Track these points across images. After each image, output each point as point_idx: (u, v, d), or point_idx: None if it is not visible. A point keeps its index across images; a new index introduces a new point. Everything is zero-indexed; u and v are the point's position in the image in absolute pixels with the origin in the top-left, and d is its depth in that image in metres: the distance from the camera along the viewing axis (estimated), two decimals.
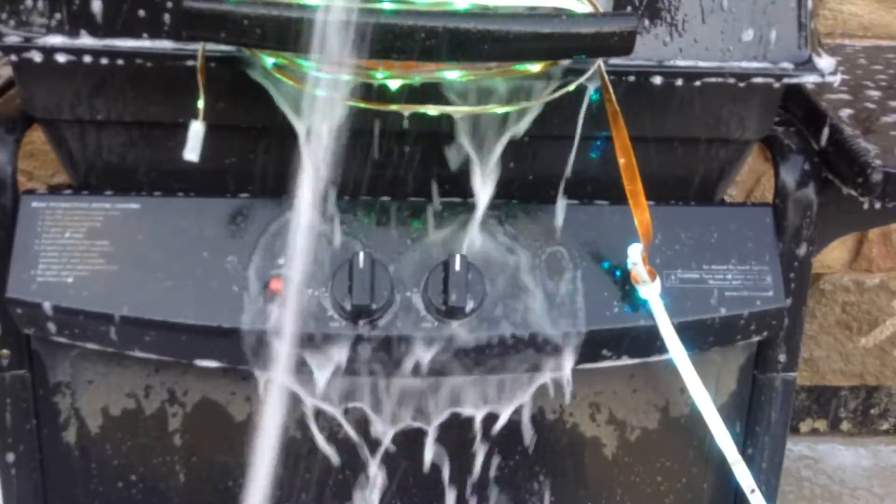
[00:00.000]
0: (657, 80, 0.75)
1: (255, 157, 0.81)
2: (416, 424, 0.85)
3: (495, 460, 0.89)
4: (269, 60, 0.71)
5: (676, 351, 0.80)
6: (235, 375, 0.82)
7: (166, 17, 0.72)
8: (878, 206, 0.82)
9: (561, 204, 0.82)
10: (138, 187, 0.81)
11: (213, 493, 0.88)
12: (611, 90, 0.73)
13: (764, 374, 0.90)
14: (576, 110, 0.76)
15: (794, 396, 0.93)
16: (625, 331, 0.81)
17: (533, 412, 0.87)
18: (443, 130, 0.77)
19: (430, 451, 0.86)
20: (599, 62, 0.73)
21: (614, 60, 0.73)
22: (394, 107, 0.73)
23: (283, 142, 0.74)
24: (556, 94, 0.74)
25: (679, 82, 0.76)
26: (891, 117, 0.90)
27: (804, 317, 0.89)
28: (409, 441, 0.86)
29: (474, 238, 0.80)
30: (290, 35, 0.64)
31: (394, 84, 0.72)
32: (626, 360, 0.83)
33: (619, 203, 0.79)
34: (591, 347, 0.81)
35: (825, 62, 0.78)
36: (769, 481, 0.93)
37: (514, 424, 0.87)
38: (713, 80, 0.76)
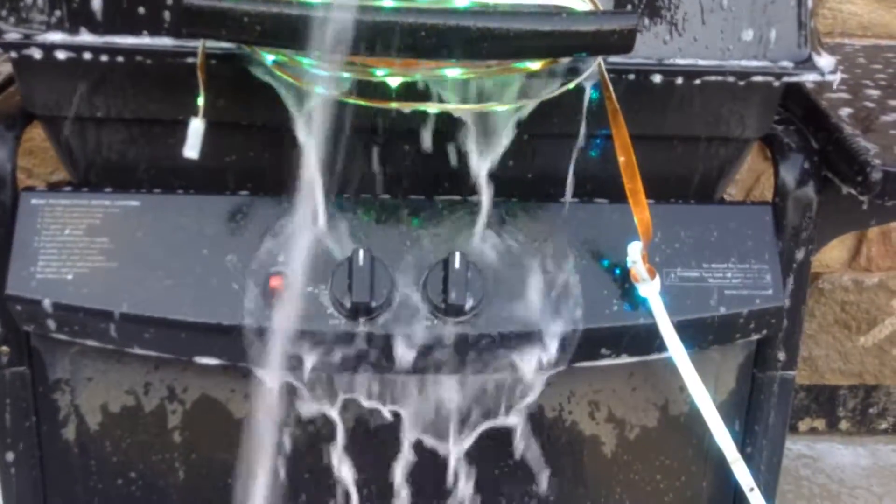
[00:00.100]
0: (657, 78, 0.75)
1: (255, 155, 0.81)
2: (414, 421, 0.85)
3: (494, 458, 0.89)
4: (269, 58, 0.71)
5: (676, 349, 0.81)
6: (235, 372, 0.82)
7: (166, 14, 0.72)
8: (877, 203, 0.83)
9: (562, 202, 0.82)
10: (138, 184, 0.81)
11: (212, 490, 0.88)
12: (611, 88, 0.73)
13: (763, 373, 0.90)
14: (576, 108, 0.76)
15: (793, 395, 0.93)
16: (624, 329, 0.81)
17: (532, 410, 0.87)
18: (442, 128, 0.77)
19: (429, 451, 0.87)
20: (599, 60, 0.73)
21: (614, 59, 0.73)
22: (393, 104, 0.73)
23: (282, 139, 0.74)
24: (556, 93, 0.74)
25: (679, 81, 0.76)
26: (890, 116, 0.90)
27: (803, 315, 0.89)
28: (407, 439, 0.86)
29: (479, 237, 0.80)
30: (290, 32, 0.64)
31: (394, 81, 0.72)
32: (625, 359, 0.83)
33: (619, 201, 0.79)
34: (591, 345, 0.81)
35: (825, 61, 0.78)
36: (768, 480, 0.93)
37: (513, 423, 0.87)
38: (713, 78, 0.76)
